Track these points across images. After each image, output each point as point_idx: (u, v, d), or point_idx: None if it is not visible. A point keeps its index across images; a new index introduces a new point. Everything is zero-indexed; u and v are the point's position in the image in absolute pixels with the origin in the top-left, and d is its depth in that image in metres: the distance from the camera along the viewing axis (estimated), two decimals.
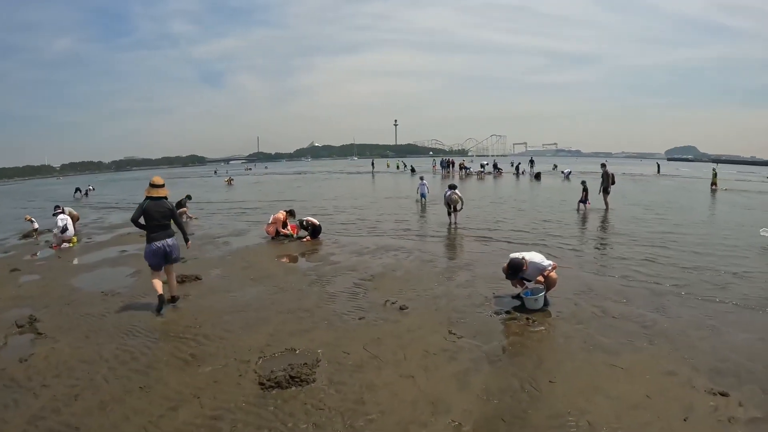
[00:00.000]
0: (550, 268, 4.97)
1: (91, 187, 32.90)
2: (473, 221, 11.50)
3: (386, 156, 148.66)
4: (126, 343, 4.34)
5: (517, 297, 5.14)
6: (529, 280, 5.06)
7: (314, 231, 9.72)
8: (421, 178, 16.64)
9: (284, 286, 6.17)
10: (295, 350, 4.04)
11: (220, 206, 17.97)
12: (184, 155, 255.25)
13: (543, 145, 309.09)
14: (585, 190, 13.61)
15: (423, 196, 15.62)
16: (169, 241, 5.25)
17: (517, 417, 2.97)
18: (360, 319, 4.81)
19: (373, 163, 56.21)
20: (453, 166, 40.11)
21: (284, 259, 8.08)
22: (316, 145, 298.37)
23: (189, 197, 14.58)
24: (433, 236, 9.86)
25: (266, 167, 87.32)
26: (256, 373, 3.62)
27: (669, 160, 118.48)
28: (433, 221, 12.00)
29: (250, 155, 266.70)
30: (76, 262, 8.60)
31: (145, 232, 5.22)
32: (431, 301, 5.30)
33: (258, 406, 3.16)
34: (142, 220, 5.21)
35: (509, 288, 5.37)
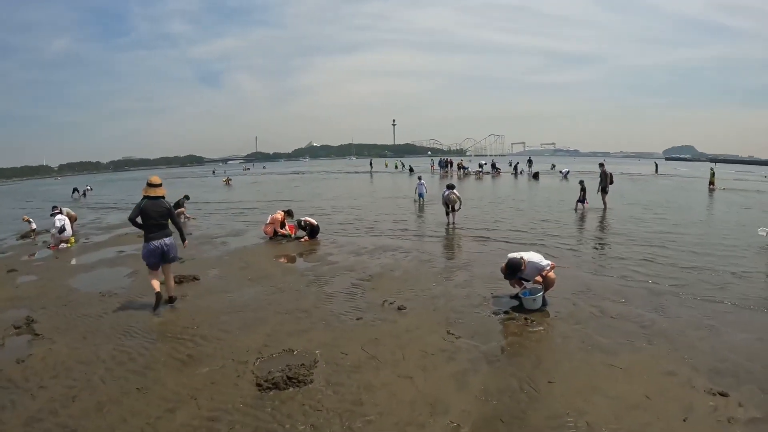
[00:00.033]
0: (548, 267, 4.97)
1: (89, 188, 32.76)
2: (471, 221, 11.49)
3: (384, 156, 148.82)
4: (123, 344, 4.32)
5: (516, 297, 5.13)
6: (527, 280, 5.06)
7: (312, 231, 9.70)
8: (419, 178, 16.65)
9: (282, 286, 6.16)
10: (293, 351, 4.03)
11: (218, 206, 17.94)
12: (182, 155, 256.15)
13: (541, 144, 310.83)
14: (583, 189, 13.58)
15: (421, 195, 15.59)
16: (167, 240, 5.25)
17: (515, 417, 2.96)
18: (358, 319, 4.80)
19: (371, 163, 56.21)
20: (451, 165, 40.18)
21: (282, 260, 8.06)
22: (315, 145, 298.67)
23: (187, 197, 14.60)
24: (431, 236, 9.85)
25: (264, 167, 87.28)
26: (253, 374, 3.61)
27: (667, 159, 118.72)
28: (431, 221, 11.99)
29: (248, 155, 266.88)
30: (73, 262, 8.56)
31: (143, 231, 5.24)
32: (429, 302, 5.29)
33: (255, 408, 3.15)
34: (139, 220, 5.22)
35: (507, 288, 5.36)
